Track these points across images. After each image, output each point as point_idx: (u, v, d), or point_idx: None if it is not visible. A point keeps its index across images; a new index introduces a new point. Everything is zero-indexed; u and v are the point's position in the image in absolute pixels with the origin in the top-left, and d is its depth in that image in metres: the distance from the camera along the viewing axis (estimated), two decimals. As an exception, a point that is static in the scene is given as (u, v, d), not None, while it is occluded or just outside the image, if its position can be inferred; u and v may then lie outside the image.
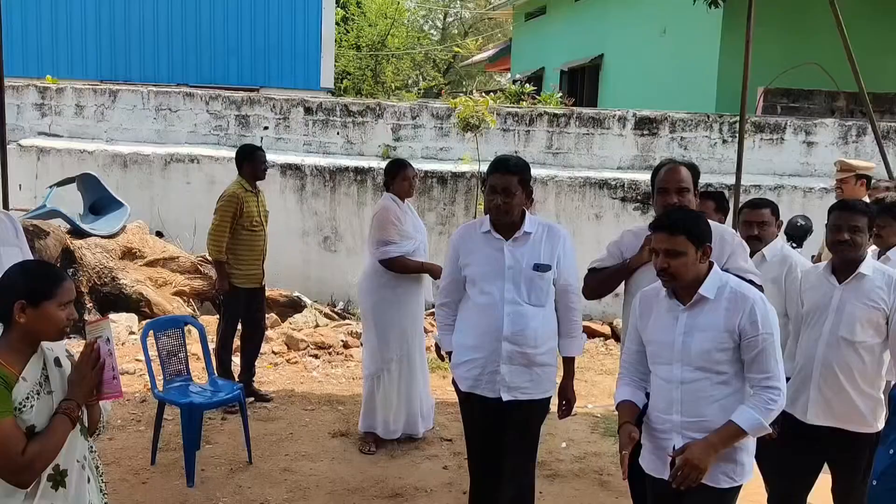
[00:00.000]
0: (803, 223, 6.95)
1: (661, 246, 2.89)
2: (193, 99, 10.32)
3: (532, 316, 3.54)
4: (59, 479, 2.49)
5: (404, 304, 5.33)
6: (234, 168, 6.33)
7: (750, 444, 2.96)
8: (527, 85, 12.40)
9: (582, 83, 17.53)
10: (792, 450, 3.59)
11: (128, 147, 9.76)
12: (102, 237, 8.30)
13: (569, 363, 3.73)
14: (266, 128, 10.26)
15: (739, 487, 2.96)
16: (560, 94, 12.15)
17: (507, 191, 3.48)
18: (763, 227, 4.10)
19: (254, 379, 6.28)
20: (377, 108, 10.36)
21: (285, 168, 9.37)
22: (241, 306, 6.06)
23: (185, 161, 9.50)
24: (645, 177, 9.59)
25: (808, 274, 3.80)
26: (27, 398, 2.40)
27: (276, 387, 6.58)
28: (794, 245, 6.99)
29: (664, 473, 2.94)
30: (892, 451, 2.48)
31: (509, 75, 23.79)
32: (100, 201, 8.75)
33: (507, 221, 3.55)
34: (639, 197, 9.36)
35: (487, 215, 3.65)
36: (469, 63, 26.87)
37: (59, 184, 8.53)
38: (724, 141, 9.96)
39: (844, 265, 3.56)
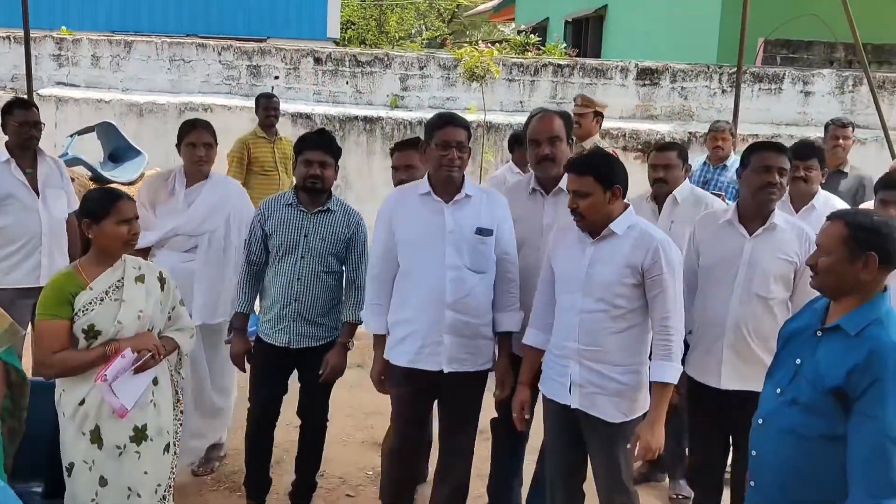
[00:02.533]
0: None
1: (570, 186, 3.01)
2: (206, 49, 10.55)
3: (475, 282, 3.31)
4: None
5: None
6: (246, 117, 6.68)
7: (643, 380, 3.05)
8: (531, 36, 12.58)
9: (586, 34, 17.62)
10: (708, 420, 3.40)
11: (143, 96, 10.02)
12: (122, 184, 8.57)
13: (505, 339, 3.44)
14: (276, 77, 10.49)
15: (635, 420, 3.07)
16: (564, 45, 12.33)
17: (461, 145, 3.29)
18: (668, 170, 4.07)
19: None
20: (385, 59, 10.58)
21: (296, 117, 9.63)
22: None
23: (198, 110, 9.75)
24: (646, 126, 9.87)
25: (706, 222, 3.51)
26: (90, 303, 2.86)
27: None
28: (789, 192, 7.28)
29: (565, 399, 3.08)
30: (778, 391, 2.48)
31: (513, 25, 23.79)
32: (118, 149, 9.02)
33: (456, 179, 3.33)
34: (639, 146, 9.62)
35: (424, 178, 3.43)
36: (473, 13, 26.80)
37: (80, 132, 8.80)
38: (724, 91, 10.18)
39: (756, 214, 3.31)
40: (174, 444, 3.09)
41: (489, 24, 30.11)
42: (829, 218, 2.48)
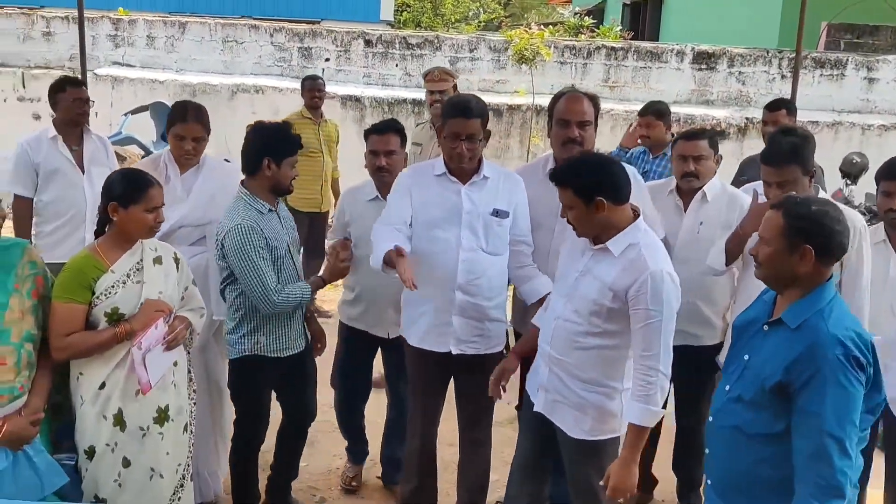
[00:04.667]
0: (858, 160, 6.83)
1: (559, 198, 2.80)
2: (258, 31, 10.63)
3: (489, 264, 3.25)
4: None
5: None
6: (297, 99, 6.72)
7: (613, 404, 2.85)
8: (586, 18, 12.38)
9: (644, 16, 17.30)
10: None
11: (196, 77, 10.15)
12: (174, 163, 8.73)
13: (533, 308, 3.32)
14: (327, 59, 10.53)
15: (608, 441, 2.89)
16: (620, 27, 12.11)
17: (471, 137, 3.18)
18: (700, 161, 3.59)
19: (315, 296, 6.69)
20: (435, 41, 10.53)
21: (345, 99, 9.65)
22: (303, 229, 6.44)
23: (250, 91, 9.86)
24: (702, 111, 9.64)
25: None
26: (112, 286, 2.82)
27: (335, 305, 6.99)
28: (849, 182, 6.96)
29: (534, 397, 2.99)
30: (727, 388, 2.44)
31: (571, 7, 23.48)
32: (171, 129, 9.18)
33: (468, 168, 3.26)
34: (693, 132, 9.41)
35: (439, 157, 3.35)
36: (530, -5, 26.53)
37: (134, 111, 8.97)
38: (783, 76, 9.88)
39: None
40: (191, 424, 3.09)
41: (548, 7, 29.75)
42: (772, 207, 2.42)
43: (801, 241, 2.24)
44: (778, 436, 2.26)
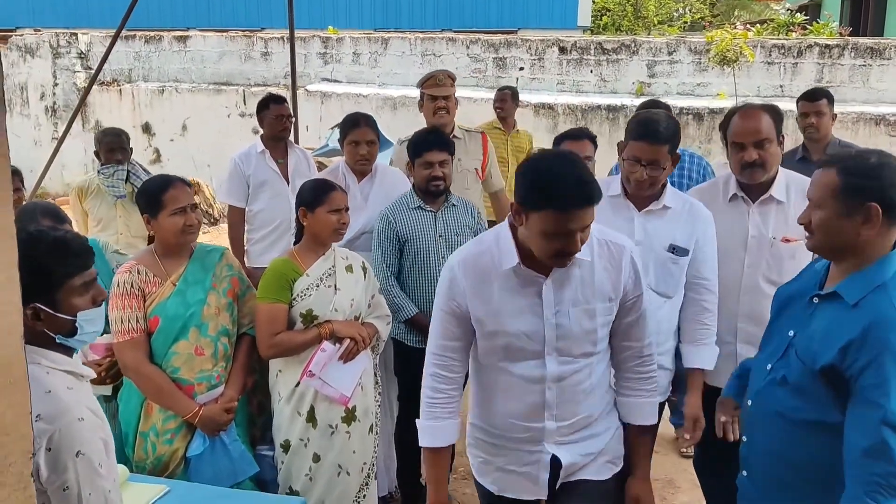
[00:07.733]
0: None
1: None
2: (455, 43, 10.91)
3: (656, 306, 2.82)
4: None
5: None
6: (490, 109, 6.80)
7: (616, 414, 2.51)
8: (797, 14, 11.61)
9: (866, 10, 15.94)
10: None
11: (397, 90, 10.59)
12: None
13: (696, 376, 2.91)
14: (521, 68, 10.61)
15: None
16: (835, 22, 11.25)
17: (654, 164, 2.79)
18: None
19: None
20: (632, 45, 10.30)
21: (538, 107, 9.68)
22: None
23: (446, 102, 10.13)
24: (930, 111, 8.72)
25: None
26: (307, 289, 3.02)
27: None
28: None
29: (536, 494, 2.43)
30: (769, 367, 2.15)
31: (787, 4, 22.11)
32: (372, 141, 9.64)
33: (647, 194, 2.89)
34: (921, 133, 8.55)
35: (617, 175, 3.01)
36: (739, -8, 25.27)
37: (339, 125, 9.49)
38: None
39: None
40: (376, 425, 3.22)
41: (760, 4, 28.19)
42: (819, 165, 2.10)
43: (862, 201, 1.96)
44: (830, 425, 2.00)
